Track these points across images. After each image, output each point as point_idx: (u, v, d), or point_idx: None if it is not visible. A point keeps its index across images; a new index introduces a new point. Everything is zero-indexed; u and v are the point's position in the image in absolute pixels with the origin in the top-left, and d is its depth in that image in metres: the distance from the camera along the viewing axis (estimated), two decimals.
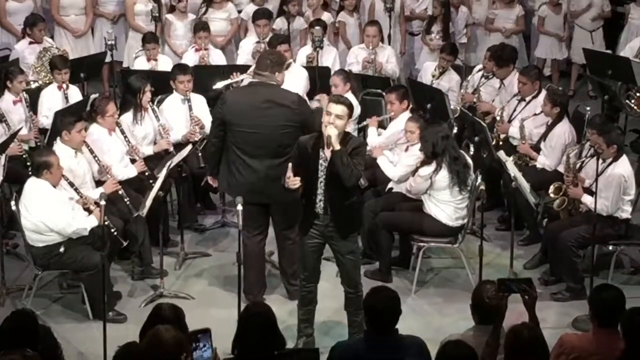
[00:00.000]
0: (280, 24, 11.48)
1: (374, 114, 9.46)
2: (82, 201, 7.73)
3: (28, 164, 8.30)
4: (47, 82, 9.98)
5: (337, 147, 6.65)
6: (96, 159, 8.16)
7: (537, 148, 9.10)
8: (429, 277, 8.41)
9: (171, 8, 11.80)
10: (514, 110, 9.50)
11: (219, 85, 9.08)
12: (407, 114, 8.94)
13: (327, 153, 6.74)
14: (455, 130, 9.09)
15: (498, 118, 9.55)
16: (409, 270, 8.35)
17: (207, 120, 9.21)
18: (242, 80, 9.07)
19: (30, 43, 10.72)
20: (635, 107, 10.40)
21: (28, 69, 10.18)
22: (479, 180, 7.95)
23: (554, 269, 8.20)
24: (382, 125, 9.30)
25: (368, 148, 8.47)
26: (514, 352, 5.10)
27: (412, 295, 8.06)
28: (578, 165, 8.28)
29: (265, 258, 8.07)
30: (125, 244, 7.99)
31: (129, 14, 11.81)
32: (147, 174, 8.51)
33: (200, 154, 8.99)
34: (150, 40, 10.56)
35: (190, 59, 10.61)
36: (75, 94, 9.68)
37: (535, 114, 9.20)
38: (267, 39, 10.37)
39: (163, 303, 5.67)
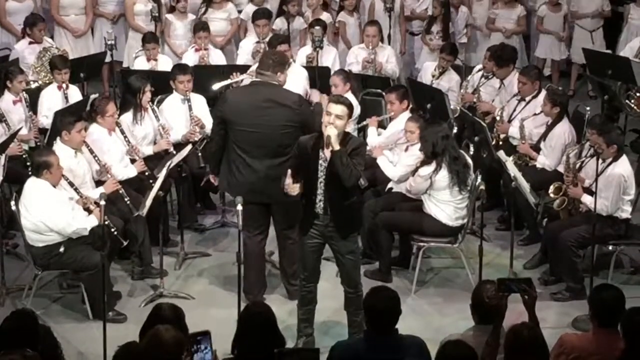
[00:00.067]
0: (279, 24, 11.48)
1: (374, 114, 9.46)
2: (82, 201, 7.73)
3: (28, 164, 8.30)
4: (47, 82, 9.98)
5: (337, 147, 6.65)
6: (96, 159, 8.16)
7: (537, 148, 9.10)
8: (429, 277, 8.41)
9: (171, 8, 11.80)
10: (514, 110, 9.51)
11: (219, 85, 9.08)
12: (407, 114, 8.94)
13: (327, 153, 6.74)
14: (455, 130, 9.09)
15: (498, 118, 9.55)
16: (409, 270, 8.35)
17: (207, 120, 9.22)
18: (241, 81, 9.07)
19: (30, 43, 10.72)
20: (635, 107, 10.39)
21: (28, 69, 10.19)
22: (479, 180, 7.95)
23: (554, 269, 8.20)
24: (382, 125, 9.29)
25: (368, 148, 8.47)
26: (514, 352, 5.10)
27: (412, 295, 8.06)
28: (578, 165, 8.28)
29: (266, 258, 8.07)
30: (125, 243, 7.99)
31: (129, 14, 11.81)
32: (147, 174, 8.51)
33: (200, 154, 8.99)
34: (150, 40, 10.56)
35: (190, 59, 10.61)
36: (75, 94, 9.68)
37: (535, 114, 9.21)
38: (267, 39, 10.38)
39: (163, 303, 5.68)
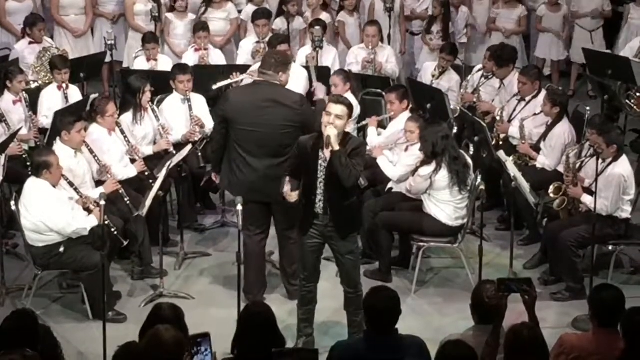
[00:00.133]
0: (279, 24, 11.48)
1: (373, 114, 9.45)
2: (82, 201, 7.73)
3: (28, 164, 8.30)
4: (47, 82, 9.98)
5: (336, 147, 6.65)
6: (96, 159, 8.16)
7: (537, 148, 9.10)
8: (428, 277, 8.41)
9: (171, 8, 11.79)
10: (514, 110, 9.51)
11: (218, 85, 9.08)
12: (407, 114, 8.94)
13: (327, 153, 6.74)
14: (455, 130, 9.10)
15: (498, 118, 9.56)
16: (408, 270, 8.35)
17: (207, 120, 9.23)
18: (241, 81, 9.07)
19: (30, 43, 10.71)
20: (635, 107, 10.39)
21: (28, 69, 10.18)
22: (479, 180, 7.95)
23: (554, 269, 8.20)
24: (382, 125, 9.29)
25: (368, 148, 8.47)
26: (514, 352, 5.10)
27: (412, 295, 8.06)
28: (578, 165, 8.29)
29: (266, 258, 8.07)
30: (125, 243, 7.99)
31: (129, 14, 11.81)
32: (147, 174, 8.51)
33: (200, 154, 8.99)
34: (150, 40, 10.56)
35: (190, 59, 10.61)
36: (75, 94, 9.68)
37: (535, 114, 9.21)
38: (267, 39, 10.37)
39: (162, 303, 5.68)
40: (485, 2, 12.52)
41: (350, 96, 8.83)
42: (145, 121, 8.92)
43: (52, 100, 9.47)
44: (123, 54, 11.72)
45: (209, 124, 9.21)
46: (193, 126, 9.13)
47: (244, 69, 9.66)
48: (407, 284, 8.19)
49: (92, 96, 9.14)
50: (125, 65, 11.56)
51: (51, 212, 7.40)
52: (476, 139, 9.00)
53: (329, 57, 10.82)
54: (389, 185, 8.62)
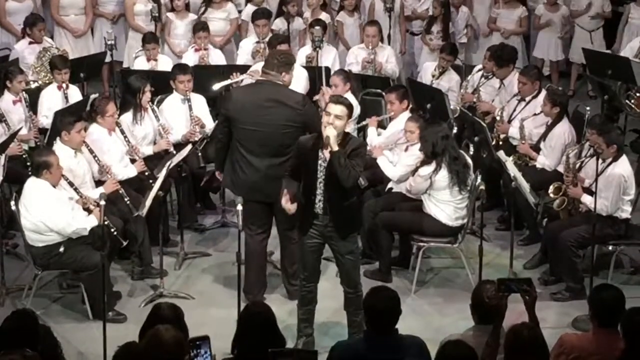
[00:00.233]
0: (279, 24, 11.48)
1: (373, 114, 9.45)
2: (82, 201, 7.73)
3: (28, 164, 8.30)
4: (47, 82, 9.98)
5: (335, 148, 6.64)
6: (96, 159, 8.16)
7: (537, 148, 9.10)
8: (428, 277, 8.41)
9: (171, 8, 11.79)
10: (514, 110, 9.51)
11: (219, 85, 9.08)
12: (407, 114, 8.93)
13: (327, 153, 6.74)
14: (455, 130, 9.10)
15: (498, 118, 9.55)
16: (408, 270, 8.35)
17: (207, 120, 9.23)
18: (241, 81, 9.07)
19: (30, 43, 10.71)
20: (635, 107, 10.39)
21: (28, 69, 10.19)
22: (479, 180, 7.95)
23: (554, 269, 8.20)
24: (382, 125, 9.29)
25: (368, 148, 8.47)
26: (514, 352, 5.10)
27: (412, 295, 8.06)
28: (578, 165, 8.29)
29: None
30: (125, 243, 7.99)
31: (129, 14, 11.80)
32: (147, 174, 8.51)
33: (200, 154, 8.99)
34: (150, 40, 10.56)
35: (190, 59, 10.61)
36: (75, 94, 9.68)
37: (535, 114, 9.21)
38: (267, 39, 10.37)
39: (162, 303, 5.68)
40: (485, 2, 12.51)
41: (350, 96, 8.83)
42: (145, 121, 8.92)
43: (52, 100, 9.47)
44: (123, 54, 11.72)
45: (209, 124, 9.22)
46: (193, 126, 9.13)
47: (244, 69, 9.66)
48: (407, 284, 8.19)
49: (92, 96, 9.15)
50: (125, 65, 11.56)
51: (51, 212, 7.40)
52: (476, 139, 9.01)
53: (329, 57, 10.82)
54: (389, 185, 8.62)
